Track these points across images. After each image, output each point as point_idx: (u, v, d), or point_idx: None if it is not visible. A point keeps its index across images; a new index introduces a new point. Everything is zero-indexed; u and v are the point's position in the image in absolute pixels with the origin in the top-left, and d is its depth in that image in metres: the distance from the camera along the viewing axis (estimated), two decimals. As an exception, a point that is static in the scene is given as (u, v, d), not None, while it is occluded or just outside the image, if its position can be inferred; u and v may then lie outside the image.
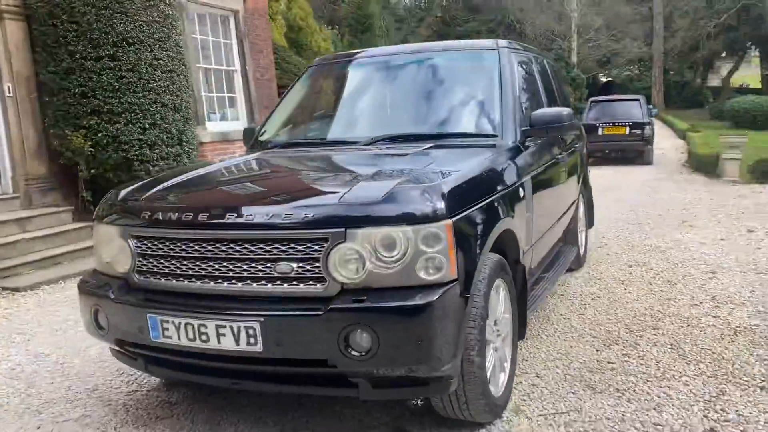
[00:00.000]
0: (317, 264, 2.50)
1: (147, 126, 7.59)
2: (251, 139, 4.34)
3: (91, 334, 3.07)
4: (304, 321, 2.46)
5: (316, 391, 2.80)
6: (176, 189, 3.13)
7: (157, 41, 7.77)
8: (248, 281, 2.60)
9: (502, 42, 4.17)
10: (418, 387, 2.63)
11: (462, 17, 39.35)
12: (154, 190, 3.09)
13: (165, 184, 3.18)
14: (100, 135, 7.32)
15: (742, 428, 2.84)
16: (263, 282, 2.58)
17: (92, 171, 7.52)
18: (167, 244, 2.77)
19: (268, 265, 2.56)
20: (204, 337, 2.59)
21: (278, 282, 2.56)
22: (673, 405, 3.07)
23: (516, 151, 3.53)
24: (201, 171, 3.53)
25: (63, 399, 3.51)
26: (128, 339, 2.88)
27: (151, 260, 2.82)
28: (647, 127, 15.02)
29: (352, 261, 2.47)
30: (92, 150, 7.34)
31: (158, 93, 7.72)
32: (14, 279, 6.07)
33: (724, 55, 39.97)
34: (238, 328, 2.52)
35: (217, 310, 2.58)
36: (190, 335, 2.61)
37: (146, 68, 7.59)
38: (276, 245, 2.55)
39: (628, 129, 15.15)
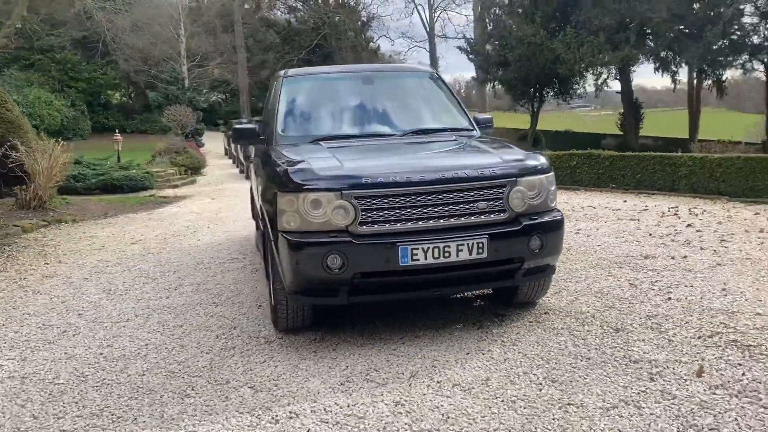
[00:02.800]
0: (501, 201, 4.08)
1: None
2: (255, 136, 5.24)
3: (311, 276, 3.89)
4: (511, 234, 4.03)
5: (489, 286, 4.33)
6: (365, 161, 4.23)
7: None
8: (457, 217, 4.00)
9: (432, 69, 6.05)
10: (546, 273, 4.40)
11: (47, 30, 36.82)
12: (352, 165, 4.12)
13: (351, 159, 4.23)
14: None
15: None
16: (468, 216, 4.02)
17: None
18: (389, 199, 3.92)
19: (470, 205, 4.02)
20: (446, 254, 3.89)
21: (477, 215, 4.04)
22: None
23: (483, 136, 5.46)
24: (360, 149, 4.64)
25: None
26: (371, 269, 3.90)
27: (373, 213, 3.92)
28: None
29: (519, 198, 4.13)
30: None
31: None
32: None
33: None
34: (472, 244, 3.93)
35: (455, 236, 3.92)
36: (435, 255, 3.88)
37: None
38: (477, 192, 4.04)
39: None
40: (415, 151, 4.75)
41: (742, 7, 25.45)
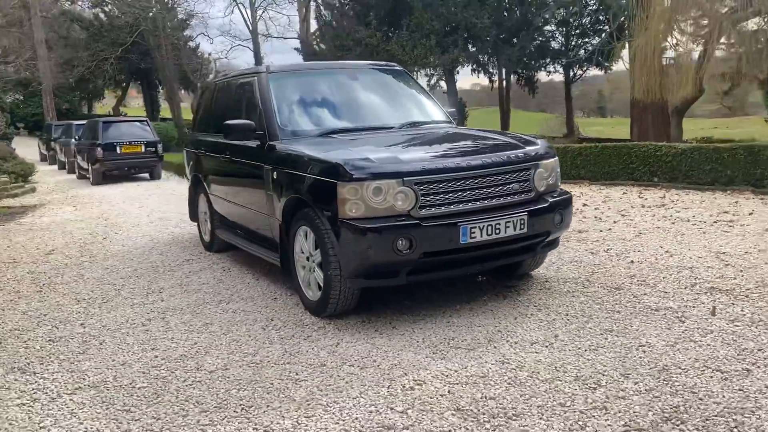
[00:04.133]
0: (528, 182, 4.62)
1: None
2: (251, 132, 5.28)
3: (381, 259, 4.14)
4: (543, 210, 4.58)
5: (520, 258, 4.86)
6: (415, 151, 4.56)
7: None
8: (497, 198, 4.47)
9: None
10: (555, 245, 5.03)
11: None
12: (405, 155, 4.41)
13: (401, 151, 4.61)
14: None
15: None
16: (506, 196, 4.51)
17: None
18: (444, 184, 4.29)
19: (507, 186, 4.51)
20: (497, 231, 4.35)
21: (512, 195, 4.54)
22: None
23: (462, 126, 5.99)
24: (380, 141, 4.95)
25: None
26: (437, 248, 4.22)
27: (431, 197, 4.26)
28: (159, 145, 17.12)
29: (541, 179, 4.70)
30: None
31: None
32: None
33: (110, 86, 43.51)
34: (516, 220, 4.42)
35: (503, 213, 4.38)
36: (489, 232, 4.31)
37: None
38: (511, 174, 4.54)
39: (143, 147, 16.90)
40: (440, 141, 5.11)
41: (546, 16, 28.63)
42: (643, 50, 15.73)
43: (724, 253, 5.88)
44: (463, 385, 3.46)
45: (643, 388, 3.31)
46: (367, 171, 4.21)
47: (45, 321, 4.96)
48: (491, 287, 5.19)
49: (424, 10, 26.73)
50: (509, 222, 4.40)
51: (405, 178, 4.20)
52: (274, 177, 5.01)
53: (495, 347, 3.95)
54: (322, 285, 4.54)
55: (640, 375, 3.46)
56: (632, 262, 5.75)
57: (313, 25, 35.50)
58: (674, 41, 16.95)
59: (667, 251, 6.04)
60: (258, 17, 40.75)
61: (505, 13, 28.69)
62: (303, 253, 4.77)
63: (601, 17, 28.93)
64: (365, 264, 4.23)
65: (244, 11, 39.56)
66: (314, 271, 4.64)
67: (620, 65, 25.58)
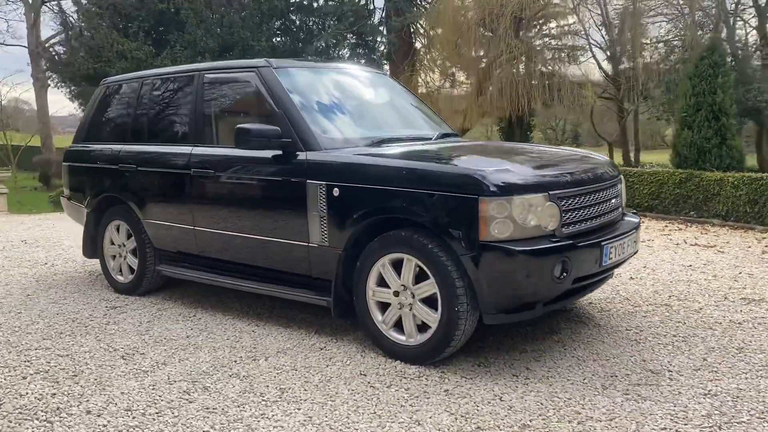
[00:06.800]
0: (619, 197, 4.32)
1: None
2: (277, 138, 4.23)
3: (538, 290, 3.49)
4: (637, 226, 4.31)
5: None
6: (519, 163, 3.87)
7: None
8: (609, 213, 4.10)
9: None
10: None
11: None
12: (529, 167, 3.78)
13: (526, 162, 3.98)
14: None
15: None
16: (612, 212, 4.15)
17: None
18: (579, 198, 3.79)
19: (612, 201, 4.16)
20: (623, 250, 3.97)
21: (614, 210, 4.20)
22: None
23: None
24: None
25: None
26: (585, 273, 3.67)
27: (570, 213, 3.72)
28: None
29: (620, 195, 4.44)
30: None
31: None
32: None
33: None
34: (632, 238, 4.09)
35: (620, 233, 4.01)
36: (620, 251, 3.92)
37: None
38: (616, 188, 4.21)
39: None
40: (519, 153, 4.55)
41: (322, 43, 29.01)
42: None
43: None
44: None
45: None
46: (514, 183, 3.55)
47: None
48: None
49: (198, 27, 25.23)
50: (630, 240, 4.06)
51: (550, 192, 3.62)
52: (335, 195, 3.99)
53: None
54: (434, 325, 3.69)
55: None
56: (631, 278, 5.77)
57: (45, 33, 31.30)
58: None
59: (657, 268, 6.18)
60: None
61: (283, 38, 28.37)
62: (389, 287, 3.86)
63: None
64: (517, 295, 3.54)
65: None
66: (412, 308, 3.77)
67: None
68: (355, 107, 4.85)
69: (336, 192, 3.98)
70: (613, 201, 4.14)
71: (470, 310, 3.62)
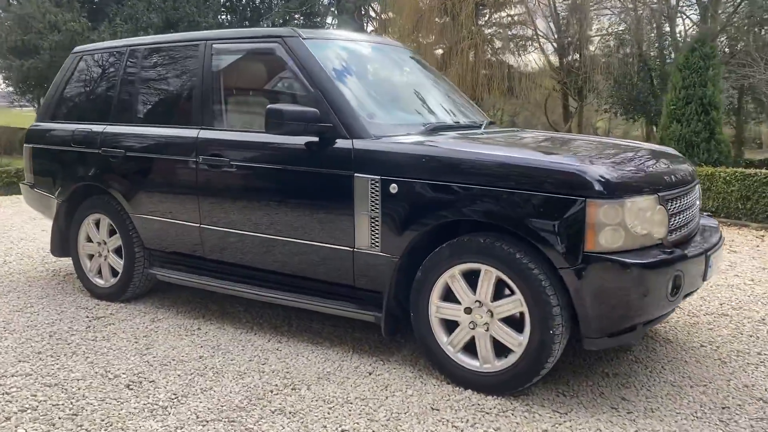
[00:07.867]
0: (696, 199, 3.86)
1: None
2: (316, 122, 3.53)
3: (655, 309, 2.98)
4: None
5: None
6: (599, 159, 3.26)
7: None
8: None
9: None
10: None
11: None
12: (637, 161, 3.26)
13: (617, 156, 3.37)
14: None
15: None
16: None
17: None
18: (677, 201, 3.27)
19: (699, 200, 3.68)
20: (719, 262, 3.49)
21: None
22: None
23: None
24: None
25: None
26: (693, 288, 3.18)
27: (672, 218, 3.20)
28: None
29: None
30: None
31: None
32: None
33: None
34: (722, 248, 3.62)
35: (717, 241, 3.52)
36: (718, 264, 3.43)
37: None
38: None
39: None
40: (585, 145, 3.95)
41: (279, 21, 27.92)
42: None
43: None
44: None
45: None
46: (625, 183, 2.99)
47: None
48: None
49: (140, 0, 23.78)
50: (722, 250, 3.58)
51: (659, 194, 3.09)
52: (392, 192, 3.33)
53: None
54: (518, 350, 3.10)
55: None
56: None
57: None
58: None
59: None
60: None
61: (230, 16, 27.16)
62: (458, 303, 3.25)
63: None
64: (627, 316, 3.00)
65: None
66: (488, 329, 3.18)
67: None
68: (398, 88, 4.20)
69: (394, 188, 3.32)
70: (698, 203, 3.65)
71: (564, 333, 3.05)
